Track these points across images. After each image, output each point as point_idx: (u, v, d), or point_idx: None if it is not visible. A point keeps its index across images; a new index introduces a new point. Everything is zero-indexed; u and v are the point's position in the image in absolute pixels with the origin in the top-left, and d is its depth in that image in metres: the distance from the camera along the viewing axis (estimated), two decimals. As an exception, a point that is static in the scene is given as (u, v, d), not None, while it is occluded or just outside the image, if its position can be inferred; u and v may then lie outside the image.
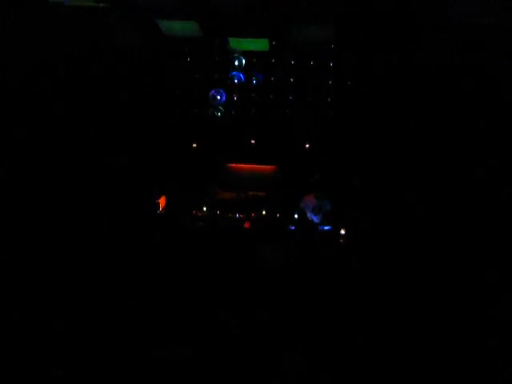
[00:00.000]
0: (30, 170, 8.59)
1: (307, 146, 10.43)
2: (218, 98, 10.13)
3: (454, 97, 9.26)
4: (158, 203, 9.58)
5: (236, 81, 10.00)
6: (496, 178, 8.86)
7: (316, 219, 9.17)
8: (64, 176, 8.99)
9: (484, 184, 8.98)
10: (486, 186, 8.92)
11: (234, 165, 10.81)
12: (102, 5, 7.45)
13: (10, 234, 7.77)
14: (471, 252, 8.11)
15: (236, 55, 9.74)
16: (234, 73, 9.98)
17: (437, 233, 8.82)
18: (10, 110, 8.56)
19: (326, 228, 8.83)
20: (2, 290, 6.49)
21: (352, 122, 10.24)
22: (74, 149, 9.27)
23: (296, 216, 9.29)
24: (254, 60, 10.02)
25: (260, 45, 7.86)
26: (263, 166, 10.72)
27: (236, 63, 9.83)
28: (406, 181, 9.96)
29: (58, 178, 8.93)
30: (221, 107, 10.22)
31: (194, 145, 10.54)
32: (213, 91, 10.28)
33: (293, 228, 9.07)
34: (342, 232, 8.65)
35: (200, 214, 9.71)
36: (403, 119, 10.11)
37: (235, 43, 8.15)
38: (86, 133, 9.49)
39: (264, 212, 9.74)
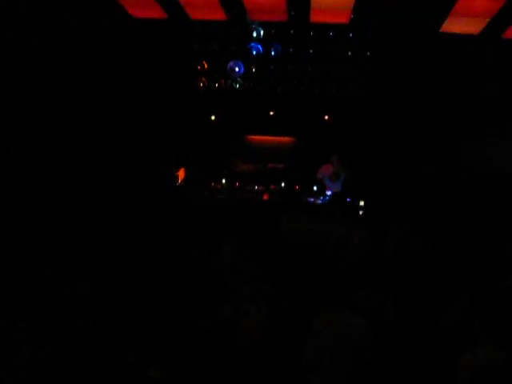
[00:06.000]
0: (56, 142, 8.59)
1: (326, 117, 10.38)
2: (237, 69, 10.10)
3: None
4: (177, 175, 9.64)
5: (254, 52, 9.94)
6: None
7: (334, 186, 9.15)
8: (88, 150, 9.00)
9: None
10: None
11: (252, 137, 10.85)
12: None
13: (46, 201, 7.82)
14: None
15: (254, 26, 9.65)
16: (252, 44, 9.92)
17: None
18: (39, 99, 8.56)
19: (347, 200, 8.82)
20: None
21: (371, 94, 10.14)
22: (98, 123, 9.26)
23: (315, 188, 9.29)
24: (273, 31, 9.92)
25: None
26: (282, 138, 10.73)
27: (254, 34, 9.75)
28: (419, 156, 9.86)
29: (83, 151, 8.93)
30: (239, 79, 10.19)
31: (213, 117, 10.56)
32: (231, 63, 10.25)
33: (311, 200, 9.07)
34: (361, 203, 8.64)
35: (219, 186, 9.77)
36: (420, 100, 9.97)
37: None
38: (109, 107, 9.48)
39: (283, 184, 9.77)
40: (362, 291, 4.91)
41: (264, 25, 9.77)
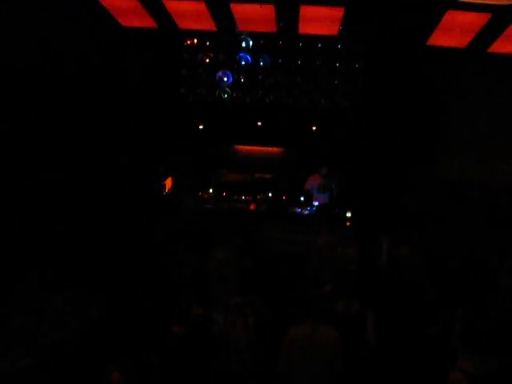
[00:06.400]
0: (46, 150, 8.51)
1: (314, 128, 10.41)
2: (225, 79, 10.11)
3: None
4: (164, 185, 9.60)
5: (243, 62, 9.96)
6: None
7: (322, 198, 9.15)
8: (75, 159, 8.92)
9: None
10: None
11: (240, 147, 10.85)
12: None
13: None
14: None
15: (243, 36, 9.67)
16: (241, 54, 9.93)
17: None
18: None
19: (332, 211, 8.81)
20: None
21: (359, 105, 10.19)
22: (86, 132, 9.19)
23: (302, 198, 9.29)
24: (262, 41, 9.95)
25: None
26: (270, 148, 10.74)
27: (243, 45, 9.77)
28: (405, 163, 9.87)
29: (71, 159, 8.85)
30: (227, 89, 10.20)
31: (201, 127, 10.56)
32: (220, 73, 10.26)
33: (299, 210, 9.07)
34: (348, 214, 8.65)
35: (206, 196, 9.73)
36: (409, 108, 10.01)
37: None
38: (97, 116, 9.41)
39: (270, 194, 9.75)
40: (343, 301, 4.94)
41: (253, 35, 9.79)
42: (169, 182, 9.81)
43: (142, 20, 8.72)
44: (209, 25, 8.77)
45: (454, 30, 7.96)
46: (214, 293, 5.84)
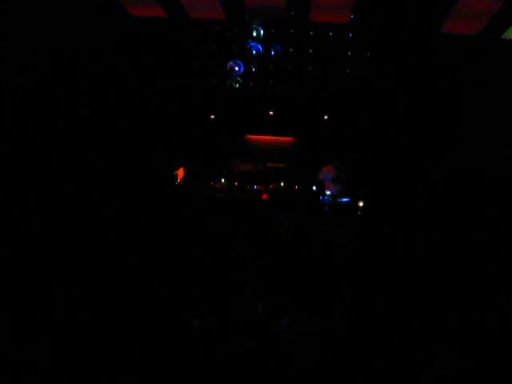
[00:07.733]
0: (54, 143, 8.55)
1: (325, 117, 10.37)
2: (236, 69, 10.07)
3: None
4: (176, 174, 9.61)
5: (254, 52, 9.92)
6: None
7: (335, 189, 9.12)
8: (86, 150, 8.95)
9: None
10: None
11: (252, 136, 10.83)
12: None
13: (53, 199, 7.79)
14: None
15: (254, 26, 9.63)
16: (252, 44, 9.89)
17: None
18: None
19: (345, 200, 8.80)
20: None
21: (371, 95, 10.12)
22: (97, 122, 9.21)
23: (314, 188, 9.26)
24: (273, 30, 9.90)
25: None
26: (282, 138, 10.71)
27: (254, 34, 9.73)
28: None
29: (82, 151, 8.88)
30: (239, 78, 10.17)
31: (212, 116, 10.54)
32: (231, 62, 10.22)
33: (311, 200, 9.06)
34: (360, 204, 8.62)
35: (218, 186, 9.74)
36: (421, 100, 9.92)
37: None
38: (106, 106, 9.43)
39: (282, 184, 9.75)
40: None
41: (264, 24, 9.75)
42: (181, 172, 9.83)
43: (153, 9, 8.72)
44: (219, 14, 8.75)
45: (468, 16, 7.89)
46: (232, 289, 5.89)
